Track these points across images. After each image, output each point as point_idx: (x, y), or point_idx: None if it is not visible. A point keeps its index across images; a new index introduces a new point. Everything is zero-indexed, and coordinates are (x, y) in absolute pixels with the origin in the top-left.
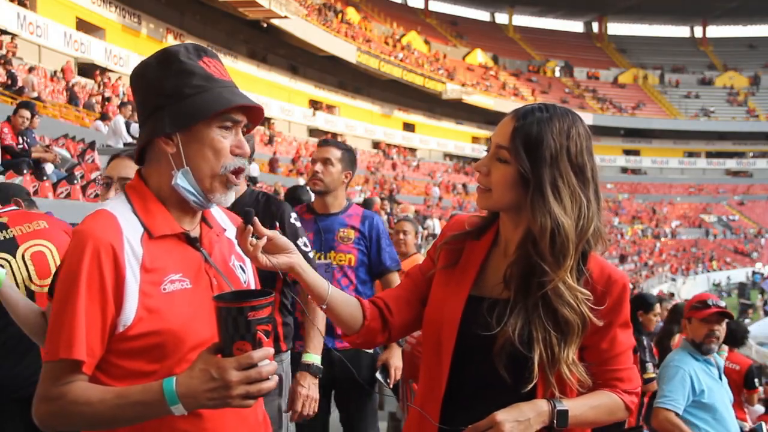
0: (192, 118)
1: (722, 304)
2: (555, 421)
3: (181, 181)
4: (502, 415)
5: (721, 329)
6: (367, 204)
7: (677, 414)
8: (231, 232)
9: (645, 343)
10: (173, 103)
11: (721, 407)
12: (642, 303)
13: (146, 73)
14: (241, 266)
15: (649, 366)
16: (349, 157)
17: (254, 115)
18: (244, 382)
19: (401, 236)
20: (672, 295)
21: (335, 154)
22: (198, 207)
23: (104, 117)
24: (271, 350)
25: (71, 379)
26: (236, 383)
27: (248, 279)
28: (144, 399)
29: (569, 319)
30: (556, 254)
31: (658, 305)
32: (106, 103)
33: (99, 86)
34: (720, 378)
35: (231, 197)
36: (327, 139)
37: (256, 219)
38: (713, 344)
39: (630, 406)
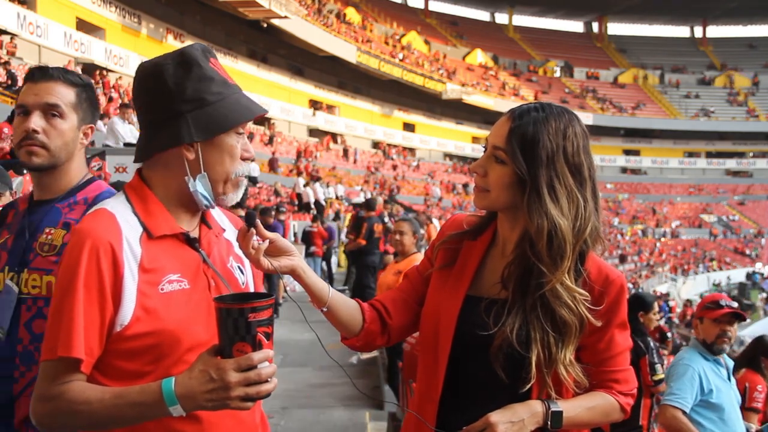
0: (219, 127)
1: (734, 304)
2: (549, 422)
3: (200, 188)
4: (496, 416)
5: (733, 330)
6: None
7: (684, 412)
8: (230, 233)
9: (651, 344)
10: (195, 109)
11: (728, 407)
12: (641, 303)
13: (163, 75)
14: (239, 267)
15: (658, 367)
16: (88, 97)
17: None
18: (243, 384)
19: (398, 236)
20: (667, 295)
21: (66, 96)
22: (206, 209)
23: (102, 116)
24: (271, 352)
25: (69, 378)
26: (235, 385)
27: (246, 280)
28: (142, 399)
29: (567, 320)
30: (553, 255)
31: (656, 304)
32: (108, 102)
33: (100, 86)
34: (729, 378)
35: (239, 195)
36: (44, 68)
37: (258, 222)
38: (725, 345)
39: (626, 407)
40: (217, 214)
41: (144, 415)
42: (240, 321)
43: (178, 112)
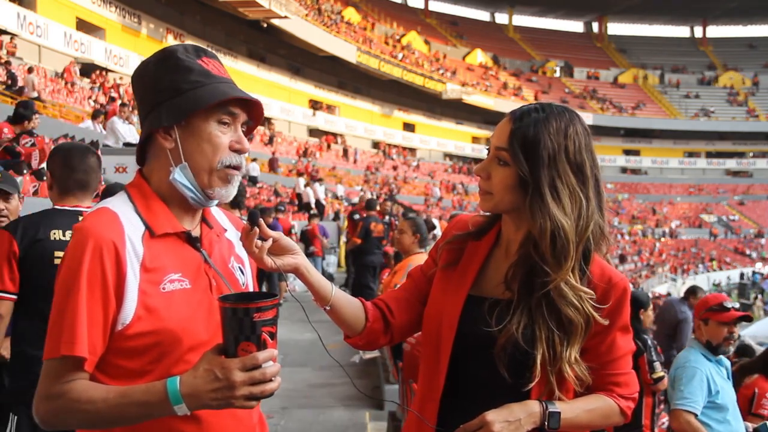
0: (187, 109)
1: (737, 305)
2: (547, 422)
3: (179, 177)
4: (492, 415)
5: (737, 331)
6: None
7: (696, 416)
8: (231, 233)
9: (650, 342)
10: (171, 98)
11: (731, 407)
12: (641, 302)
13: (145, 72)
14: (240, 268)
15: (657, 365)
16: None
17: (254, 112)
18: (248, 383)
19: (398, 235)
20: (668, 295)
21: None
22: (196, 204)
23: (96, 116)
24: (275, 352)
25: (73, 377)
26: (240, 384)
27: (246, 281)
28: (147, 399)
29: (573, 319)
30: (557, 255)
31: (651, 303)
32: (112, 102)
33: (97, 86)
34: (728, 378)
35: (232, 192)
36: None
37: (261, 221)
38: (731, 346)
39: (626, 411)
40: (218, 214)
41: (148, 414)
42: (245, 320)
43: (156, 102)
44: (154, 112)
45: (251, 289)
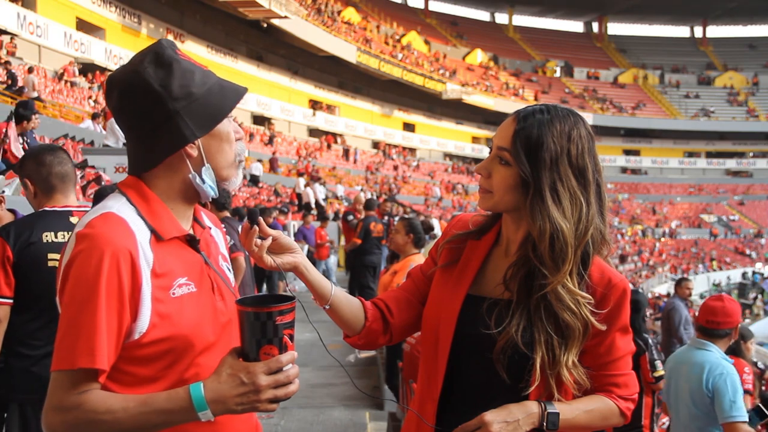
0: (216, 118)
1: None
2: (545, 423)
3: (207, 180)
4: (490, 416)
5: None
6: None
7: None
8: (213, 231)
9: (650, 341)
10: (186, 105)
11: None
12: (639, 303)
13: (147, 79)
14: (227, 266)
15: (658, 364)
16: None
17: None
18: (273, 386)
19: (393, 235)
20: (668, 295)
21: None
22: (208, 198)
23: (95, 116)
24: (296, 354)
25: (88, 387)
26: (265, 387)
27: (231, 279)
28: (170, 406)
29: (570, 323)
30: (555, 258)
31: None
32: None
33: (97, 86)
34: None
35: (240, 177)
36: None
37: (261, 219)
38: None
39: (626, 412)
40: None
41: (170, 422)
42: (268, 324)
43: (171, 112)
44: (170, 124)
45: (233, 285)
